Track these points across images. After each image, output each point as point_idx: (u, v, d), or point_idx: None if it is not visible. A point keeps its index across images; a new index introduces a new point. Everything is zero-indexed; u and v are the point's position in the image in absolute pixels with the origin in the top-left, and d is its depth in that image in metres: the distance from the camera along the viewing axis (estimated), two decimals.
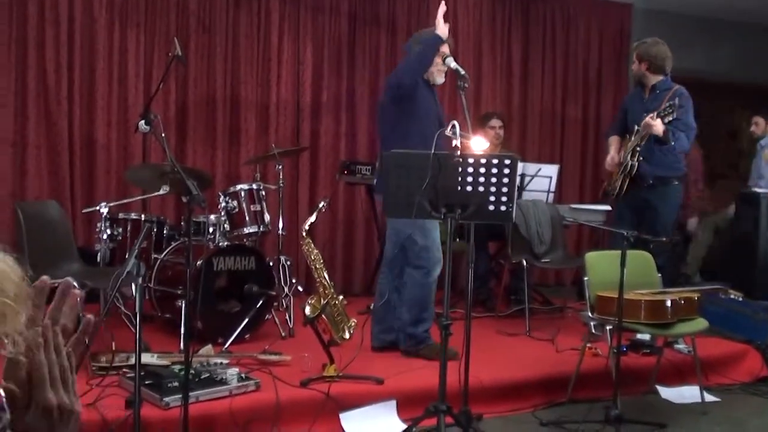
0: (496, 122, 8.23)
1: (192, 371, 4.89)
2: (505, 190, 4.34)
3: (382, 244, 8.21)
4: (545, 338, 6.69)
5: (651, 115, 6.43)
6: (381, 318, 6.13)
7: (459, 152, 4.27)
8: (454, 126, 4.33)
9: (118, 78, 7.91)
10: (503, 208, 4.37)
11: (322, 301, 5.30)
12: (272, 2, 8.49)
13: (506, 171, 4.30)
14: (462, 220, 4.42)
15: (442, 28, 5.58)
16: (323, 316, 5.27)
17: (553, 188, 7.76)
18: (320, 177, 8.68)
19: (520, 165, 7.54)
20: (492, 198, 4.35)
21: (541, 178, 7.67)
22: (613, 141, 7.14)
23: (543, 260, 7.38)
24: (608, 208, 7.54)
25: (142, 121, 5.06)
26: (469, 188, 4.32)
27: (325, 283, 5.43)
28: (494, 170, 4.30)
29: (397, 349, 6.05)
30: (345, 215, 8.78)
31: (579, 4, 9.97)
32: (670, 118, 6.33)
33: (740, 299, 5.89)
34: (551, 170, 7.77)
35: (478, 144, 4.53)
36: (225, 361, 5.28)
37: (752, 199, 7.74)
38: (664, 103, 6.59)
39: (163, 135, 4.96)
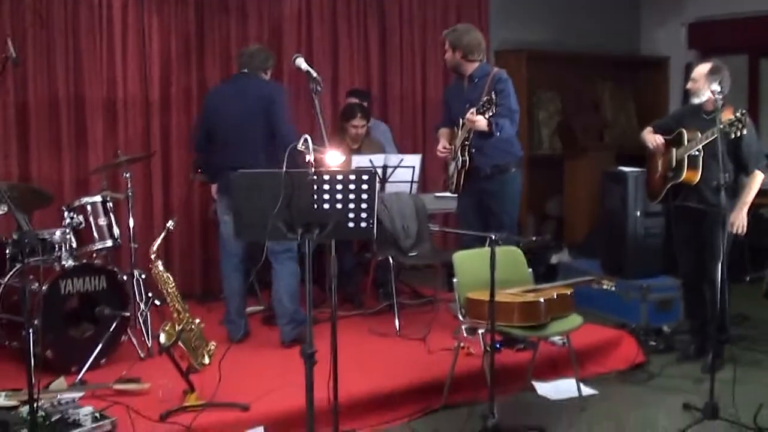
0: (358, 122, 7.91)
1: (42, 414, 4.53)
2: (364, 206, 4.06)
3: None
4: (416, 337, 6.49)
5: (471, 111, 6.23)
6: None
7: (313, 168, 3.98)
8: (306, 140, 4.04)
9: None
10: (363, 224, 4.10)
11: (177, 327, 4.96)
12: None
13: (364, 186, 4.03)
14: (322, 240, 4.15)
15: None
16: (179, 343, 4.94)
17: (416, 178, 7.52)
18: (173, 177, 8.26)
19: (381, 156, 7.36)
20: (351, 215, 4.07)
21: (403, 169, 7.43)
22: (442, 133, 6.86)
23: (410, 254, 7.17)
24: None
25: None
26: (326, 206, 4.04)
27: (179, 307, 5.10)
28: (352, 186, 4.02)
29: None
30: (201, 216, 8.38)
31: None
32: (490, 113, 6.14)
33: (612, 289, 5.77)
34: (414, 160, 7.53)
35: (334, 158, 4.23)
36: (79, 395, 4.93)
37: (619, 178, 7.65)
38: (485, 91, 6.39)
39: None
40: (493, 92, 6.17)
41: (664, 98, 11.00)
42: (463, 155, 6.51)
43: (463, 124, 6.44)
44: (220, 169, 6.37)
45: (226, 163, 6.16)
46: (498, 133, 6.29)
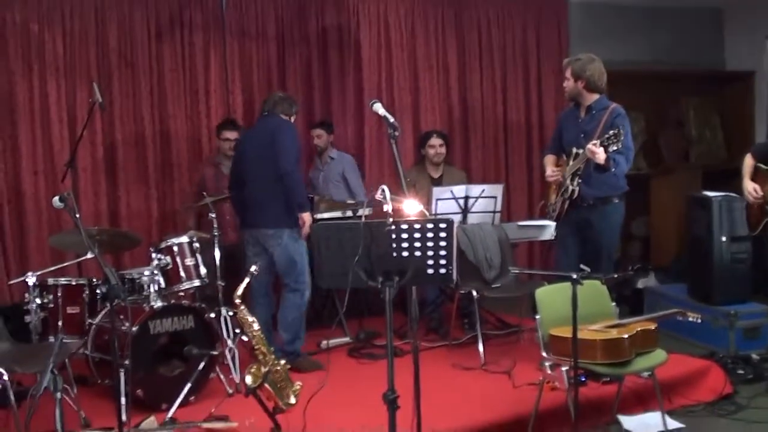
0: (435, 140, 7.98)
1: None
2: (443, 252, 4.08)
3: None
4: (501, 371, 6.48)
5: (594, 142, 6.16)
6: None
7: (391, 218, 4.03)
8: (383, 190, 4.09)
9: (41, 125, 7.62)
10: (443, 270, 4.13)
11: (263, 369, 5.04)
12: (195, 32, 8.20)
13: (442, 234, 4.05)
14: (401, 286, 4.18)
15: None
16: (266, 384, 5.01)
17: (498, 208, 7.51)
18: None
19: (462, 188, 7.36)
20: (430, 261, 4.10)
21: (485, 199, 7.42)
22: (548, 160, 6.93)
23: (493, 286, 7.14)
24: (554, 223, 7.20)
25: (56, 198, 4.78)
26: (405, 254, 4.08)
27: (264, 350, 5.17)
28: (430, 234, 4.05)
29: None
30: None
31: (512, 3, 9.72)
32: (615, 148, 6.08)
33: (699, 321, 5.67)
34: (496, 190, 7.52)
35: (411, 207, 4.28)
36: None
37: (703, 203, 7.53)
38: (602, 124, 6.36)
39: (77, 215, 4.65)
40: (620, 128, 6.13)
41: (750, 113, 10.80)
42: (572, 183, 6.50)
43: (577, 154, 6.45)
44: (243, 205, 6.87)
45: (246, 200, 6.77)
46: (613, 170, 6.28)
